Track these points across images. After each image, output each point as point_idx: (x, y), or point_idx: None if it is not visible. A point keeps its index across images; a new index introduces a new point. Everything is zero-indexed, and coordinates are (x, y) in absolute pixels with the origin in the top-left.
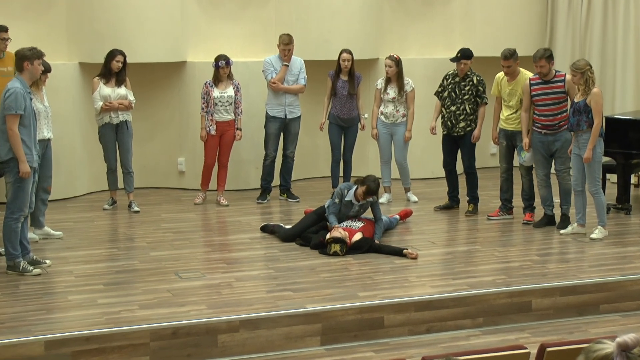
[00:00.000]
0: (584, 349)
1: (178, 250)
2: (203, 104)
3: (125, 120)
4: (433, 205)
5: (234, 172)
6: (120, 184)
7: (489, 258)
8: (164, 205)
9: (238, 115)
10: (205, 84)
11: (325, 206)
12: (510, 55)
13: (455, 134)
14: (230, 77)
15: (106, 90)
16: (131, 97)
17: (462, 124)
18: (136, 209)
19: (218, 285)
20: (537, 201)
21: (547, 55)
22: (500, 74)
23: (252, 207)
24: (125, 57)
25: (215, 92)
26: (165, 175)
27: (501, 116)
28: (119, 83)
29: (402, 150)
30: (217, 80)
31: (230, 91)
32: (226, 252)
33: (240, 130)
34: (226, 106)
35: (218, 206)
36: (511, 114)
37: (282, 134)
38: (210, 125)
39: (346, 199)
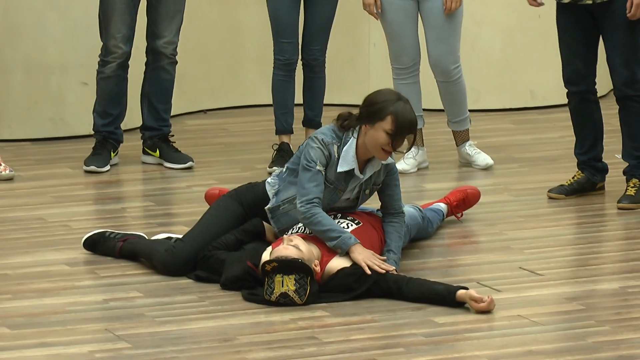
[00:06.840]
0: None
1: None
2: None
3: None
4: (529, 176)
5: (21, 98)
6: None
7: None
8: None
9: None
10: None
11: (268, 188)
12: None
13: (590, 1)
14: None
15: None
16: None
17: None
18: None
19: None
20: None
21: None
22: None
23: (75, 184)
24: None
25: None
26: None
27: None
28: None
29: (444, 37)
30: None
31: None
32: (8, 300)
33: None
34: None
35: None
36: None
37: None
38: None
39: (340, 169)
